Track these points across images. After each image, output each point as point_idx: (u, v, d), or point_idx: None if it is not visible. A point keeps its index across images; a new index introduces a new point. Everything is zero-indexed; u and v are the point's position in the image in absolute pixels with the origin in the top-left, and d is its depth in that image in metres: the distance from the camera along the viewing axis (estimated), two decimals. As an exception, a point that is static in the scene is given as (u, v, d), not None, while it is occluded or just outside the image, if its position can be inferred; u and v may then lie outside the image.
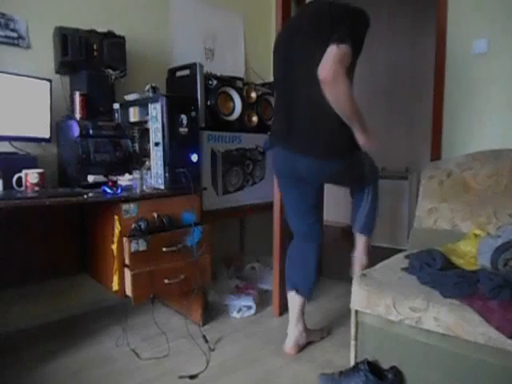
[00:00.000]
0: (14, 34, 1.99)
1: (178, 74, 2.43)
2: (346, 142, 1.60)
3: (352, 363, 1.52)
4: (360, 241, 1.91)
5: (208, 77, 2.37)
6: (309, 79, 1.52)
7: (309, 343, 1.93)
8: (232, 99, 2.52)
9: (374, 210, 1.90)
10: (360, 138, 1.58)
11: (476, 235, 1.70)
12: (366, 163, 1.80)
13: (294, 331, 1.88)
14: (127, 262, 1.73)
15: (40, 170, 1.74)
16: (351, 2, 1.68)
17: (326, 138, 1.59)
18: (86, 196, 1.66)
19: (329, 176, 1.75)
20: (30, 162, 1.83)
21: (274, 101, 1.81)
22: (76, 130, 1.88)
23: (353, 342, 1.53)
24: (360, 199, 1.87)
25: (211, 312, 2.25)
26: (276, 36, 1.87)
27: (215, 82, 2.38)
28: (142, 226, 1.75)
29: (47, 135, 1.95)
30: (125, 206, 1.73)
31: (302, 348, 1.89)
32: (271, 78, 2.02)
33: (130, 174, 1.92)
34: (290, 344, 1.86)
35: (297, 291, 1.88)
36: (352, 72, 1.59)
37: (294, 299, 1.89)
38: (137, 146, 2.06)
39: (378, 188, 1.91)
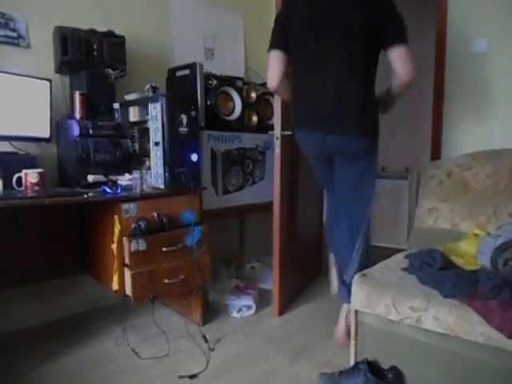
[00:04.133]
0: (14, 34, 1.99)
1: (178, 73, 2.43)
2: (375, 124, 1.74)
3: (352, 363, 1.52)
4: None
5: (208, 76, 2.37)
6: (348, 66, 1.64)
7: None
8: (232, 99, 2.52)
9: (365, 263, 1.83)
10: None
11: (476, 235, 1.70)
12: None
13: (346, 320, 1.87)
14: (127, 261, 1.73)
15: (40, 170, 1.74)
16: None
17: (360, 118, 1.69)
18: (85, 196, 1.66)
19: (353, 154, 1.76)
20: (30, 162, 1.83)
21: (294, 78, 1.80)
22: (76, 130, 1.88)
23: (352, 342, 1.53)
24: (351, 248, 1.84)
25: (211, 312, 2.25)
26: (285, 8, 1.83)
27: (215, 82, 2.38)
28: (142, 226, 1.74)
29: (47, 135, 1.95)
30: (125, 206, 1.73)
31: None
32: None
33: (130, 173, 1.91)
34: (341, 332, 1.88)
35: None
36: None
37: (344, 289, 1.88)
38: (137, 145, 2.06)
39: (370, 238, 1.89)
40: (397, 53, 1.61)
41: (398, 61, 1.62)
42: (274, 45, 1.78)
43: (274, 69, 1.78)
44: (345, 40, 1.64)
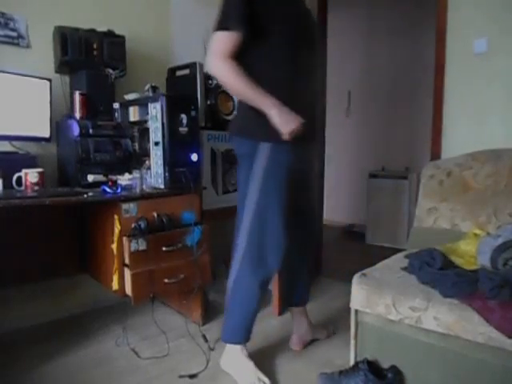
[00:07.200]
0: (14, 34, 1.99)
1: (178, 73, 2.43)
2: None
3: (352, 362, 1.52)
4: (303, 313, 1.94)
5: (208, 76, 2.37)
6: None
7: (313, 340, 1.95)
8: (232, 99, 2.52)
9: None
10: (275, 121, 1.44)
11: (476, 235, 1.70)
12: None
13: (298, 328, 1.91)
14: (127, 261, 1.73)
15: (40, 170, 1.74)
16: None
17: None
18: (85, 195, 1.66)
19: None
20: (30, 162, 1.83)
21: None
22: (76, 130, 1.88)
23: (352, 342, 1.53)
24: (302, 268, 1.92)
25: (211, 312, 2.25)
26: None
27: (215, 82, 2.38)
28: (142, 226, 1.74)
29: (47, 134, 1.95)
30: (124, 206, 1.73)
31: (306, 344, 1.91)
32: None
33: (130, 173, 1.92)
34: (295, 340, 1.89)
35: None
36: (258, 49, 1.49)
37: None
38: (137, 145, 2.06)
39: None
40: None
41: None
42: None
43: None
44: None
